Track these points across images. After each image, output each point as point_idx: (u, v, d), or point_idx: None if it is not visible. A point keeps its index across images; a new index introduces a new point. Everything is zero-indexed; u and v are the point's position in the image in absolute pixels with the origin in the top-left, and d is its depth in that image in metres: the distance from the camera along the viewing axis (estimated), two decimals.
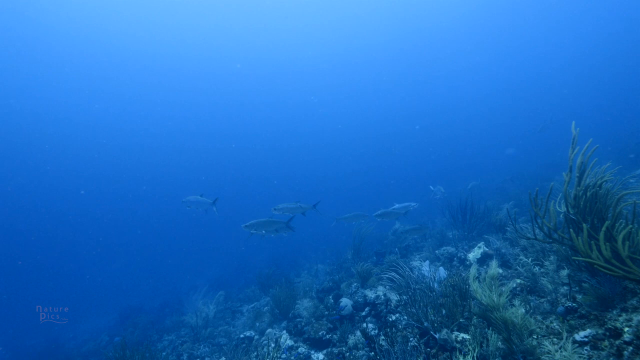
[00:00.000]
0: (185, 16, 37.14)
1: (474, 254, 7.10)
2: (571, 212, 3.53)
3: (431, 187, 9.38)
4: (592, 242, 2.79)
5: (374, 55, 44.91)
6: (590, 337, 2.92)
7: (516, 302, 3.79)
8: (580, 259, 2.73)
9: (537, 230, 4.14)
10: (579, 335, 2.99)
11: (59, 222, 38.13)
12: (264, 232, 6.60)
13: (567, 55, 45.02)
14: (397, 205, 8.69)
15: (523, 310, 3.55)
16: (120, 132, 46.21)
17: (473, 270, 4.46)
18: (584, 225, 2.69)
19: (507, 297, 3.75)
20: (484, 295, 3.92)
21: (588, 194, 3.38)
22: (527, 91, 47.73)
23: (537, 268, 4.61)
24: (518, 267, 5.00)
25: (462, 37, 41.62)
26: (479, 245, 7.26)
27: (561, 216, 4.14)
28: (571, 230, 2.81)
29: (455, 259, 7.38)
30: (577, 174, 3.43)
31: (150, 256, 28.01)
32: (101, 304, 17.96)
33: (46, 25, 32.58)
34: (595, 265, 2.62)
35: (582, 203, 3.35)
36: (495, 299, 3.70)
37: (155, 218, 38.16)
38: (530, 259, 4.74)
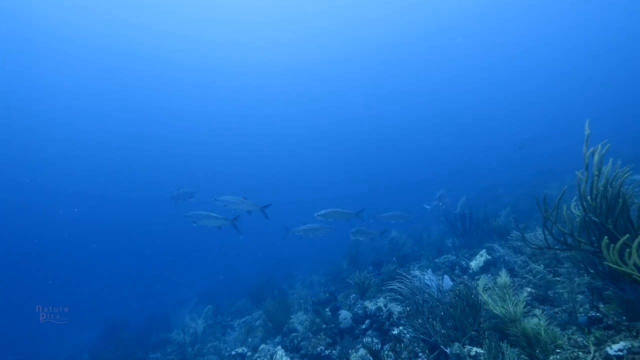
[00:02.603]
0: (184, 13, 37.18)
1: (476, 262, 6.83)
2: (590, 214, 3.28)
3: (440, 191, 9.11)
4: (626, 250, 2.53)
5: (367, 61, 45.39)
6: (625, 350, 2.64)
7: (537, 311, 3.50)
8: (617, 268, 2.46)
9: (547, 236, 3.89)
10: (612, 349, 2.70)
11: (39, 235, 36.52)
12: (206, 225, 6.50)
13: (563, 62, 46.06)
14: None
15: (545, 321, 3.26)
16: (101, 143, 44.97)
17: (483, 280, 4.18)
18: (624, 236, 2.43)
19: (523, 306, 3.47)
20: (497, 306, 3.63)
21: (609, 193, 3.15)
22: (522, 100, 48.64)
23: (550, 276, 4.35)
24: (528, 275, 4.74)
25: (460, 44, 42.43)
26: (480, 253, 7.00)
27: (576, 220, 3.90)
28: (605, 238, 2.55)
29: (456, 267, 7.10)
30: (596, 172, 3.20)
31: (136, 269, 26.99)
32: (84, 319, 17.05)
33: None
34: (634, 277, 2.36)
35: (604, 203, 3.11)
36: (511, 309, 3.41)
37: (141, 229, 36.91)
38: (542, 266, 4.49)
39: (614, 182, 3.25)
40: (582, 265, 3.82)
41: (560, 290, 4.03)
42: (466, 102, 50.97)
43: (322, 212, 6.54)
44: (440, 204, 8.52)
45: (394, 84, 49.48)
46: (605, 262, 2.49)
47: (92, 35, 35.54)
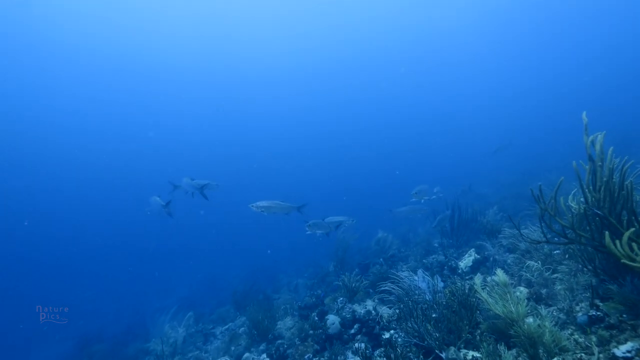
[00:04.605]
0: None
1: (465, 262, 6.70)
2: (593, 207, 3.13)
3: (435, 189, 8.88)
4: (632, 244, 2.37)
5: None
6: (634, 351, 2.48)
7: (542, 311, 3.32)
8: (631, 264, 2.29)
9: (545, 230, 3.74)
10: (620, 351, 2.53)
11: (9, 239, 34.39)
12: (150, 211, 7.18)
13: (542, 70, 47.41)
14: None
15: (550, 322, 3.08)
16: (83, 147, 43.39)
17: (479, 278, 4.00)
18: (629, 230, 2.27)
19: (525, 306, 3.28)
20: (498, 305, 3.43)
21: (611, 184, 3.01)
22: (501, 104, 49.73)
23: (547, 273, 4.21)
24: (522, 272, 4.59)
25: (450, 49, 43.22)
26: (469, 252, 6.89)
27: (574, 213, 3.77)
28: (607, 233, 2.38)
29: (445, 267, 6.96)
30: (599, 162, 3.05)
31: (113, 274, 25.69)
32: (53, 331, 16.03)
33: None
34: None
35: (607, 196, 2.97)
36: (513, 309, 3.22)
37: (117, 231, 35.10)
38: (539, 264, 4.35)
39: (614, 174, 3.13)
40: (580, 261, 3.68)
41: (558, 287, 3.88)
42: (449, 106, 51.81)
43: (259, 203, 5.78)
44: (421, 200, 8.28)
45: (383, 87, 50.04)
46: (622, 260, 2.31)
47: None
